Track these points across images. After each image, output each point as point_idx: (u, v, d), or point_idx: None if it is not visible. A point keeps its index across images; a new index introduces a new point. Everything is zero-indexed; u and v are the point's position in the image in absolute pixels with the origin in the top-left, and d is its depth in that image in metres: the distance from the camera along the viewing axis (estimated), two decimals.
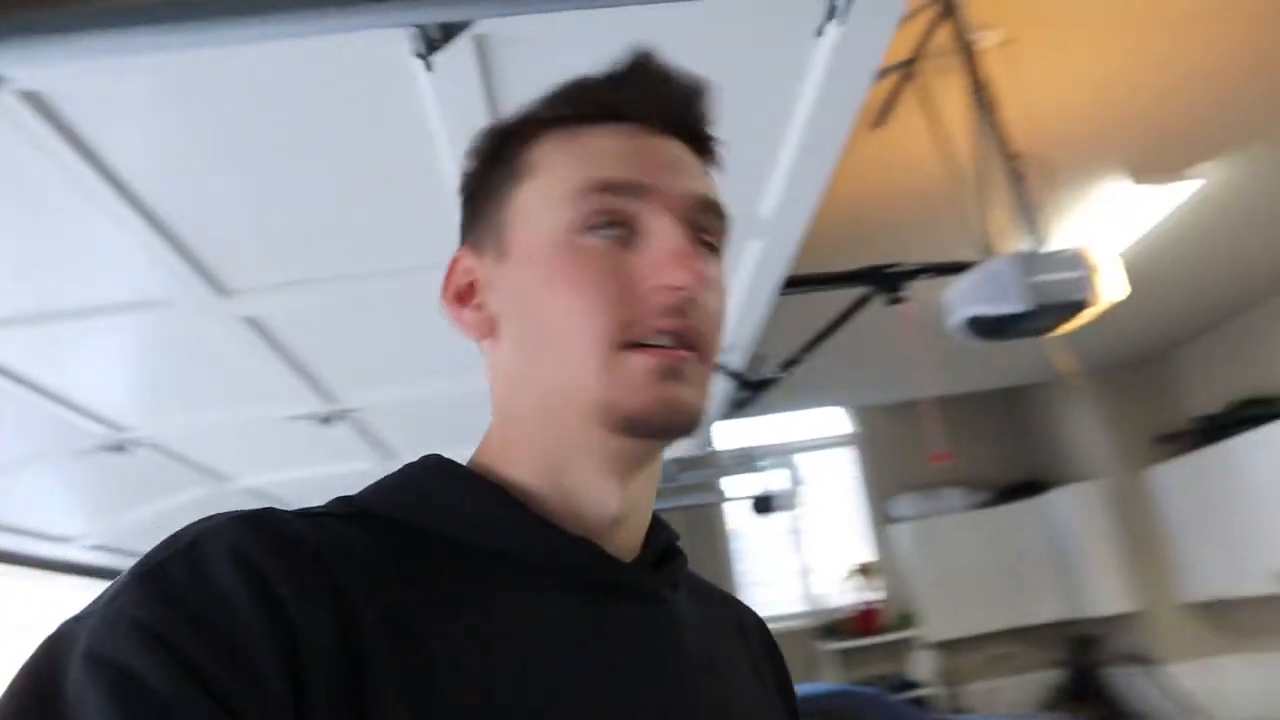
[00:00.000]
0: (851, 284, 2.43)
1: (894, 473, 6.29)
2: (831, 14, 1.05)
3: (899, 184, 3.10)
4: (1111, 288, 2.24)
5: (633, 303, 0.53)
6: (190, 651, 0.41)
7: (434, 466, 0.59)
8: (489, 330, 0.60)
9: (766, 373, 2.69)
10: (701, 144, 0.62)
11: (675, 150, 0.59)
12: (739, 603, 0.73)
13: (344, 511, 0.54)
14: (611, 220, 0.55)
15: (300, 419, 2.32)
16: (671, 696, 0.54)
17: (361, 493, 0.57)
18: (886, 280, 2.41)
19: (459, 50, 1.07)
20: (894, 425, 6.26)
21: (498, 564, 0.53)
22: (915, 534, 6.04)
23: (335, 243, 1.53)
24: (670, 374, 0.53)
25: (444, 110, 1.18)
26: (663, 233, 0.54)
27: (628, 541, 0.59)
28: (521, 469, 0.57)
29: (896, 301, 2.41)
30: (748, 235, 1.67)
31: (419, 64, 1.08)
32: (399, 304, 1.83)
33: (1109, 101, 2.81)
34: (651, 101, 0.58)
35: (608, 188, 0.55)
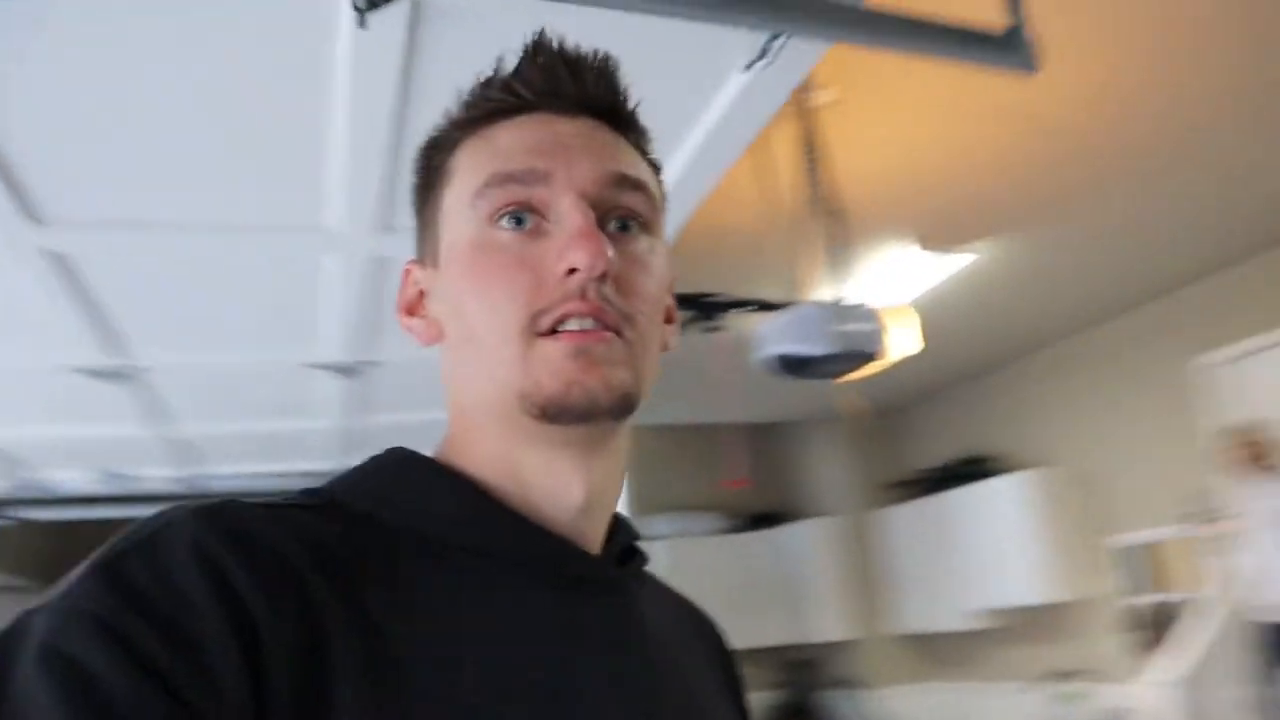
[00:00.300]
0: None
1: (656, 492, 6.51)
2: (762, 55, 1.10)
3: (716, 220, 3.24)
4: (902, 344, 2.48)
5: (543, 290, 0.54)
6: (146, 646, 0.39)
7: (402, 459, 0.58)
8: (436, 336, 0.60)
9: None
10: (617, 118, 0.61)
11: (585, 130, 0.58)
12: (695, 607, 0.75)
13: (309, 503, 0.52)
14: (518, 211, 0.55)
15: (72, 370, 2.07)
16: (638, 689, 0.55)
17: (327, 484, 0.55)
18: (706, 309, 2.51)
19: (394, 12, 1.02)
20: (663, 446, 6.47)
21: (465, 557, 0.53)
22: (668, 552, 6.27)
23: (182, 186, 1.40)
24: (582, 355, 0.53)
25: (356, 71, 1.12)
26: (564, 215, 0.55)
27: (593, 534, 0.59)
28: (482, 466, 0.57)
29: (713, 330, 2.52)
30: None
31: (346, 18, 1.02)
32: (226, 263, 1.70)
33: (912, 172, 3.11)
34: (551, 85, 0.58)
35: (508, 179, 0.55)
